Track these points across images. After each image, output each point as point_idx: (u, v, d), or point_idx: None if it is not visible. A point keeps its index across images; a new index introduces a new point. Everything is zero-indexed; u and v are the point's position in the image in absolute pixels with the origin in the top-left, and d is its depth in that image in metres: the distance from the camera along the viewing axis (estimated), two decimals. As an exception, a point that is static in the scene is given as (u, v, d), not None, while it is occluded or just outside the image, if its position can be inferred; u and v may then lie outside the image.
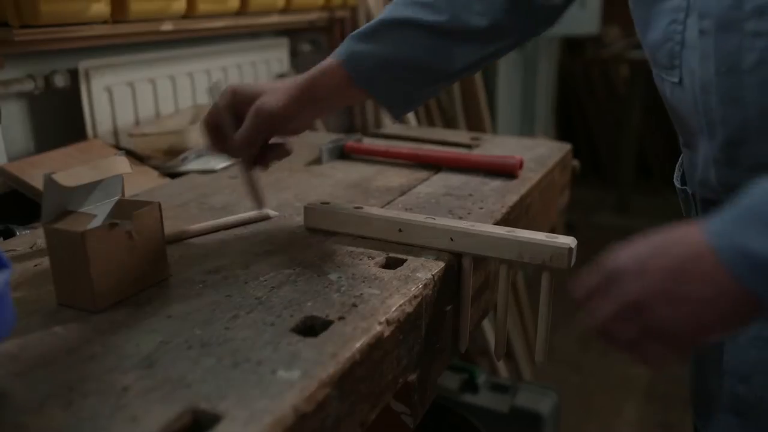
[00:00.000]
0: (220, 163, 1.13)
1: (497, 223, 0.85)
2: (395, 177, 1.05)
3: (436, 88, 0.83)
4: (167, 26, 1.24)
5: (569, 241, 0.69)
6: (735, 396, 0.69)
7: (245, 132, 0.74)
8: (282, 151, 0.80)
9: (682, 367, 0.67)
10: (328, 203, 0.83)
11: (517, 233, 0.72)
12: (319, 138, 1.36)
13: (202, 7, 1.29)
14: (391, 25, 0.77)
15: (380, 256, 0.74)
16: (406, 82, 0.79)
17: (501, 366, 2.03)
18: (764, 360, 0.65)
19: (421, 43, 0.77)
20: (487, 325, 1.96)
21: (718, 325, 0.49)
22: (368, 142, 1.24)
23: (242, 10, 1.43)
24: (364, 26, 0.78)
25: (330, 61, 0.77)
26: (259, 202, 0.80)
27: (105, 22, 1.11)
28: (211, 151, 0.75)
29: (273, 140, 0.79)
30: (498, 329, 0.79)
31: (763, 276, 0.45)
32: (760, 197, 0.47)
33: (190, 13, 1.28)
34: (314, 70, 0.77)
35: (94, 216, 0.62)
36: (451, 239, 0.74)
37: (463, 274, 0.76)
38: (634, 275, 0.51)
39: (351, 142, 1.19)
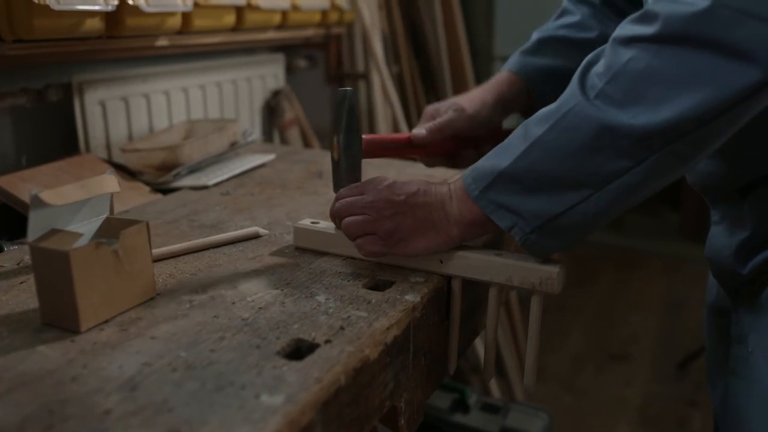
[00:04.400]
0: (212, 179, 1.13)
1: (487, 244, 0.84)
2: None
3: None
4: (162, 42, 1.24)
5: (558, 265, 0.69)
6: (735, 358, 0.75)
7: (441, 120, 0.86)
8: (472, 158, 0.89)
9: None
10: (318, 222, 0.83)
11: (506, 257, 0.71)
12: (314, 155, 1.36)
13: (198, 23, 1.29)
14: (549, 42, 0.91)
15: (369, 278, 0.73)
16: (558, 91, 0.90)
17: (493, 385, 2.02)
18: (756, 323, 0.73)
19: (577, 57, 0.89)
20: (479, 343, 1.95)
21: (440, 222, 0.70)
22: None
23: (238, 27, 1.43)
24: (526, 44, 0.93)
25: (506, 73, 0.92)
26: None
27: (99, 37, 1.11)
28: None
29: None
30: (487, 352, 0.78)
31: (472, 173, 0.68)
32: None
33: (185, 29, 1.28)
34: (495, 82, 0.91)
35: (81, 235, 0.62)
36: (441, 261, 0.73)
37: (452, 297, 0.76)
38: (387, 188, 0.72)
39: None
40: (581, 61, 0.87)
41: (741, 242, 0.73)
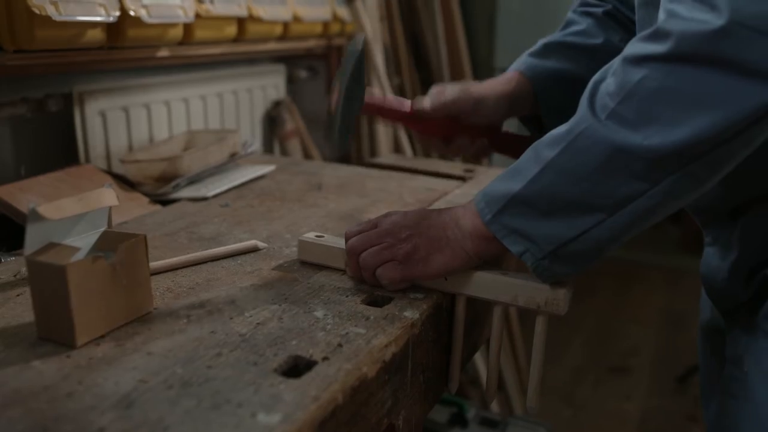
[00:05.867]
0: (211, 190, 1.12)
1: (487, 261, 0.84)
2: (389, 209, 1.05)
3: None
4: (163, 52, 1.24)
5: (565, 286, 0.69)
6: (730, 378, 0.75)
7: (446, 97, 0.85)
8: (466, 147, 0.90)
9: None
10: (322, 236, 0.82)
11: (512, 276, 0.71)
12: (315, 167, 1.36)
13: (199, 34, 1.29)
14: (555, 47, 0.90)
15: (367, 293, 0.73)
16: (565, 96, 0.87)
17: (492, 398, 2.01)
18: (751, 342, 0.72)
19: (584, 61, 0.87)
20: (478, 356, 1.94)
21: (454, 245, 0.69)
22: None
23: (239, 38, 1.43)
24: (533, 48, 0.91)
25: (513, 72, 0.90)
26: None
27: (101, 47, 1.11)
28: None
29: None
30: (489, 374, 0.78)
31: (484, 197, 0.67)
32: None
33: (186, 40, 1.28)
34: (502, 79, 0.89)
35: (78, 249, 0.61)
36: (446, 279, 0.73)
37: (456, 315, 0.75)
38: (400, 215, 0.74)
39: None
40: (588, 65, 0.85)
41: (733, 264, 0.73)
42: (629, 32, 0.88)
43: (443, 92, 0.87)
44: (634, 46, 0.59)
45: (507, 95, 0.88)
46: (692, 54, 0.54)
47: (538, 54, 0.91)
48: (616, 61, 0.61)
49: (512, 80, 0.89)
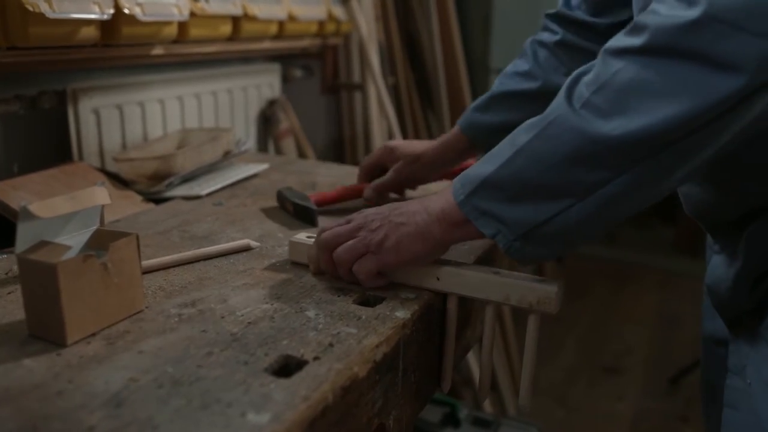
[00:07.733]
0: (205, 188, 1.12)
1: (479, 260, 0.84)
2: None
3: None
4: (158, 50, 1.24)
5: (556, 284, 0.69)
6: (732, 389, 0.75)
7: (383, 180, 1.02)
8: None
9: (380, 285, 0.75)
10: (313, 237, 0.82)
11: (504, 275, 0.71)
12: (308, 166, 1.36)
13: (194, 32, 1.29)
14: (499, 97, 0.97)
15: (359, 293, 0.73)
16: None
17: (485, 398, 2.01)
18: (754, 352, 0.72)
19: (523, 108, 0.92)
20: (471, 356, 1.95)
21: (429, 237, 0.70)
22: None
23: (234, 36, 1.43)
24: (479, 99, 0.99)
25: (456, 129, 1.01)
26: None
27: (95, 45, 1.11)
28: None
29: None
30: (482, 372, 0.78)
31: (461, 179, 0.68)
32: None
33: (181, 38, 1.28)
34: (444, 137, 1.02)
35: (70, 247, 0.61)
36: (438, 279, 0.73)
37: (448, 315, 0.76)
38: (373, 209, 0.75)
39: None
40: (530, 109, 0.85)
41: (738, 272, 0.72)
42: (579, 62, 0.86)
43: (380, 186, 1.02)
44: (615, 40, 0.60)
45: (440, 159, 1.01)
46: (666, 46, 0.55)
47: (480, 108, 0.98)
48: (599, 54, 0.62)
49: (452, 139, 1.01)
